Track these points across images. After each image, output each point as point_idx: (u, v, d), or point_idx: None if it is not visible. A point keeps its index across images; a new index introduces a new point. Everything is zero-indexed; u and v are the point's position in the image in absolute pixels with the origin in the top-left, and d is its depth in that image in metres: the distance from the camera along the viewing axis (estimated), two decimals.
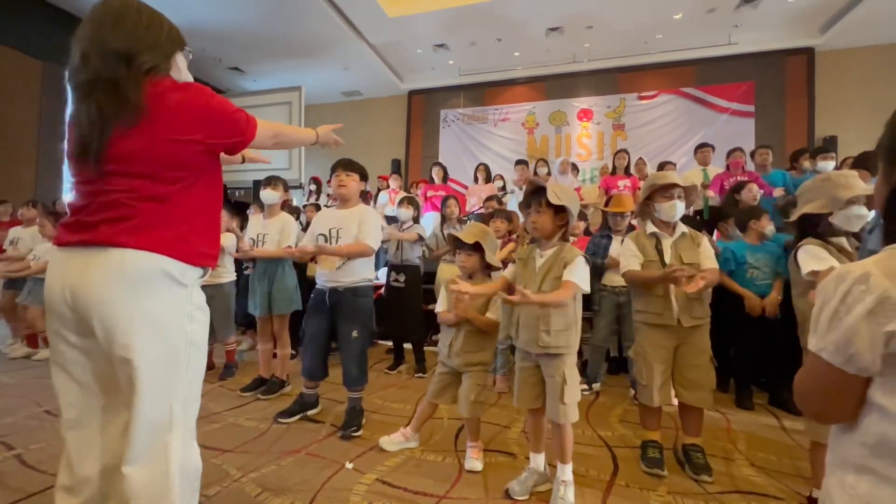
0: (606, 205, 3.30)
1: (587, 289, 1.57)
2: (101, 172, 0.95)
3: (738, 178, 4.02)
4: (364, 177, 2.29)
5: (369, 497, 1.58)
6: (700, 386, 1.79)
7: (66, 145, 1.05)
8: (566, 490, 1.57)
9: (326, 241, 2.15)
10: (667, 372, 1.83)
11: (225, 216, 3.22)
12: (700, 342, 1.81)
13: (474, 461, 1.82)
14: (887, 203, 0.62)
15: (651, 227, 1.93)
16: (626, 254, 1.95)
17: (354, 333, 2.14)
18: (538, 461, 1.69)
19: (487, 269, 1.95)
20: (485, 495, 1.61)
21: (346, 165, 2.21)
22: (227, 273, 3.12)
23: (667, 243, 1.88)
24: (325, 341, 2.24)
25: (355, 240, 2.14)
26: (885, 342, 0.55)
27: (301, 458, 1.87)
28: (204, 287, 3.53)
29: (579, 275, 1.55)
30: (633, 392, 2.72)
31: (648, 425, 1.91)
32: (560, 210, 1.61)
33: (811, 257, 1.56)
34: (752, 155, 4.50)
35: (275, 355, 2.78)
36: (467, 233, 1.90)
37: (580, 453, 1.93)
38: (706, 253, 1.86)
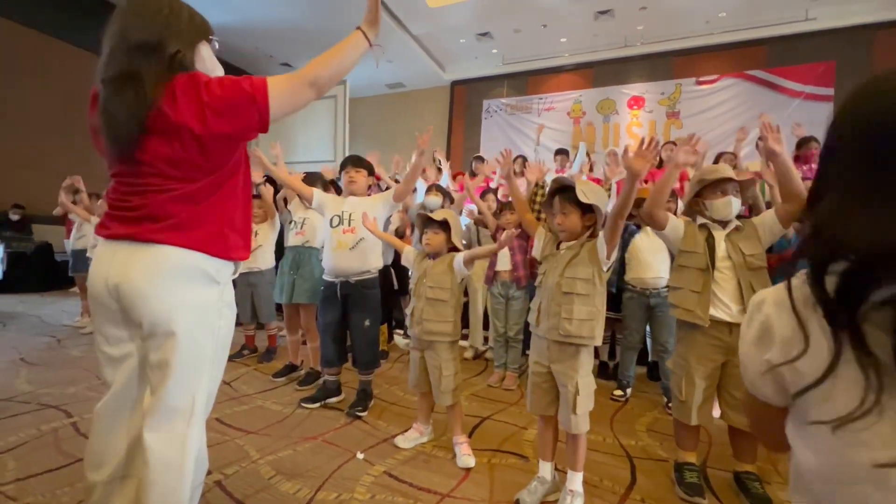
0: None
1: (603, 257, 1.49)
2: (135, 170, 0.99)
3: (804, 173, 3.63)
4: (371, 172, 2.40)
5: (374, 489, 1.61)
6: None
7: (92, 137, 1.06)
8: (573, 500, 1.51)
9: (340, 221, 2.25)
10: (711, 388, 1.65)
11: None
12: None
13: (466, 458, 1.80)
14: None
15: (700, 220, 1.75)
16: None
17: (367, 323, 2.28)
18: (546, 470, 1.63)
19: (452, 250, 1.98)
20: (489, 497, 1.59)
21: (355, 162, 2.30)
22: (269, 260, 3.26)
23: (719, 235, 1.69)
24: (339, 330, 2.35)
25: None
26: (768, 370, 0.52)
27: (317, 444, 1.94)
28: (248, 274, 3.62)
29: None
30: (665, 400, 2.57)
31: (684, 445, 1.73)
32: (589, 209, 1.54)
33: None
34: None
35: (304, 343, 2.89)
36: (437, 213, 2.00)
37: (596, 461, 1.85)
38: (764, 219, 1.66)
